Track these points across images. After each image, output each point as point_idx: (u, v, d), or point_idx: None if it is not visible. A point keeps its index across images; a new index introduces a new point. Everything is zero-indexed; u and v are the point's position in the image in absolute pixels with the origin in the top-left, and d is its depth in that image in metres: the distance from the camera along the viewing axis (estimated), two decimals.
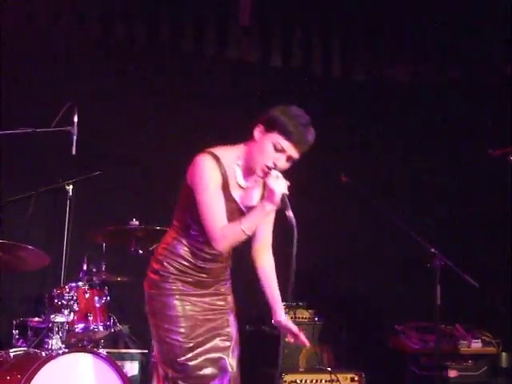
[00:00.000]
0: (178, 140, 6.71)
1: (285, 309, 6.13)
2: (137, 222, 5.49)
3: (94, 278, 5.48)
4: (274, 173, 3.51)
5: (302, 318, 6.26)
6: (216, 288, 3.84)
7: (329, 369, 6.05)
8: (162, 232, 5.41)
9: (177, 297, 3.71)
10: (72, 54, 6.54)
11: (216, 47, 7.13)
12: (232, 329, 3.85)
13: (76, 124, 4.60)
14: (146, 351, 5.60)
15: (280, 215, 3.57)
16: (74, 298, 5.09)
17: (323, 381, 5.93)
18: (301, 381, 5.88)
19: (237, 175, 3.67)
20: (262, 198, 3.68)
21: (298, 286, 6.92)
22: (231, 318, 3.87)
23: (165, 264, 3.73)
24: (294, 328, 4.04)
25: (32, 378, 4.55)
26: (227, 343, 3.79)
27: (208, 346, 3.72)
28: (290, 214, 3.47)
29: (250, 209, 3.66)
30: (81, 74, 6.46)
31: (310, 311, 6.27)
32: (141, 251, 5.51)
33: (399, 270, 7.08)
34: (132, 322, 5.85)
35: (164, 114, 6.77)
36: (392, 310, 6.88)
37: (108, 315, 5.31)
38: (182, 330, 3.68)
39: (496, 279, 6.43)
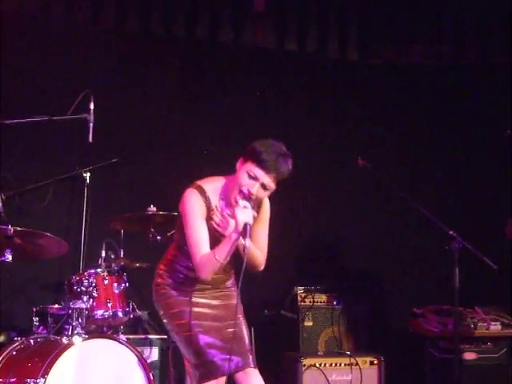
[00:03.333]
0: (194, 126, 6.72)
1: (304, 293, 6.22)
2: (154, 208, 5.51)
3: (113, 265, 5.49)
4: (242, 203, 3.77)
5: (321, 302, 6.26)
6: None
7: (348, 352, 6.06)
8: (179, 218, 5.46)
9: (177, 296, 4.05)
10: (87, 42, 6.54)
11: (230, 33, 7.11)
12: (237, 314, 4.04)
13: (92, 111, 4.61)
14: (166, 337, 5.61)
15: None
16: (93, 284, 5.10)
17: (342, 364, 5.93)
18: (320, 364, 5.88)
19: (218, 206, 3.95)
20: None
21: (317, 270, 6.98)
22: (233, 305, 4.05)
23: (164, 277, 4.11)
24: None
25: (53, 365, 4.57)
26: (236, 328, 4.01)
27: (216, 333, 3.98)
28: (246, 243, 3.70)
29: None
30: (97, 61, 6.47)
31: (328, 295, 6.28)
32: (159, 237, 5.53)
33: (418, 253, 7.06)
34: (151, 308, 5.82)
35: (180, 100, 6.77)
36: (411, 293, 6.87)
37: (127, 301, 5.32)
38: (189, 321, 3.97)
39: None
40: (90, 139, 4.59)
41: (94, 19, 6.64)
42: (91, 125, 4.59)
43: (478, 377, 5.94)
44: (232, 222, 3.82)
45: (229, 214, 3.90)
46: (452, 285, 4.98)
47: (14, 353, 4.88)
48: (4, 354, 4.88)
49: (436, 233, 5.22)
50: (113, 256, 5.55)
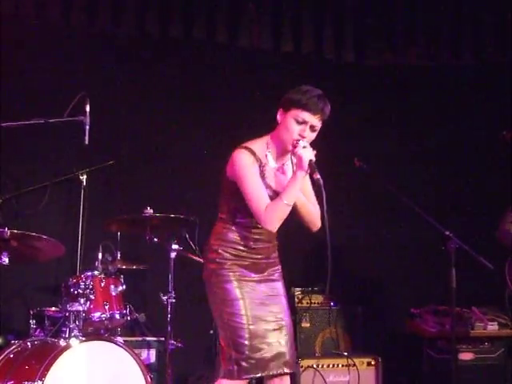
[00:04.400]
0: (190, 128, 6.71)
1: (301, 294, 6.23)
2: (151, 210, 5.49)
3: (110, 267, 5.50)
4: (302, 143, 3.87)
5: (318, 303, 6.27)
6: (269, 273, 4.08)
7: (345, 353, 6.06)
8: (176, 219, 5.47)
9: (235, 282, 3.96)
10: (83, 44, 6.54)
11: (227, 35, 7.11)
12: (284, 313, 4.06)
13: (88, 114, 4.62)
14: (163, 339, 5.60)
15: None
16: (90, 286, 5.11)
17: (340, 365, 5.94)
18: (317, 365, 5.89)
19: (269, 161, 4.00)
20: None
21: (313, 270, 6.96)
22: (284, 303, 4.09)
23: (220, 251, 4.00)
24: None
25: (50, 367, 4.57)
26: (281, 328, 4.01)
27: (265, 329, 3.94)
28: (317, 176, 3.82)
29: None
30: (93, 63, 6.47)
31: (325, 296, 6.27)
32: (156, 239, 5.52)
33: (414, 254, 7.06)
34: (148, 310, 5.87)
35: (176, 102, 6.77)
36: (408, 293, 6.87)
37: (124, 303, 5.32)
38: (243, 312, 3.91)
39: None
40: (86, 141, 4.59)
41: (90, 21, 6.64)
42: (87, 127, 4.60)
43: (475, 377, 5.95)
44: (284, 176, 3.98)
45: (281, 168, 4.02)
46: (449, 285, 4.98)
47: (11, 356, 4.87)
48: (1, 357, 4.87)
49: (432, 233, 5.22)
50: (110, 258, 5.56)
